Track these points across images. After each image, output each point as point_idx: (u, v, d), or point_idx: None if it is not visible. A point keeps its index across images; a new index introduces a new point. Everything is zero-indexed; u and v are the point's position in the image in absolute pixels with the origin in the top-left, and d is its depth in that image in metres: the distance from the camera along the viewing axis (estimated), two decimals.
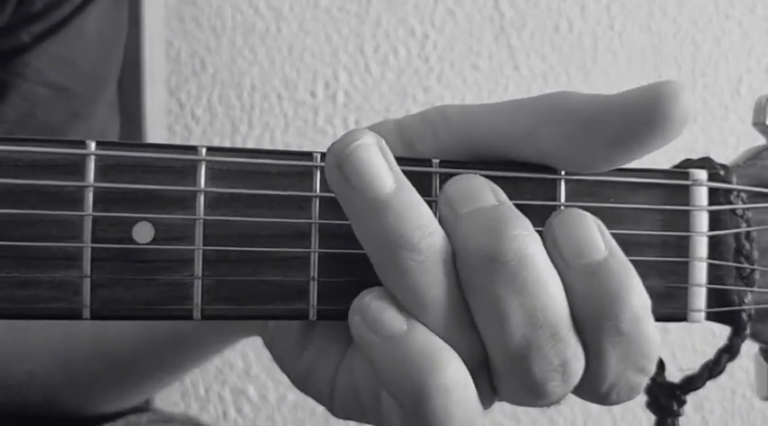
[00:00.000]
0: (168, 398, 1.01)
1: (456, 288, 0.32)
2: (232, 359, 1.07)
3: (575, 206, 0.34)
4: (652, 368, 0.33)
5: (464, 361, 0.32)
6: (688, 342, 1.09)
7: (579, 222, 0.32)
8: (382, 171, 0.31)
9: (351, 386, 0.36)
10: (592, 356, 0.32)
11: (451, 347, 0.32)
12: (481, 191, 0.33)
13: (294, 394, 1.07)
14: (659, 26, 1.11)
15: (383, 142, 0.32)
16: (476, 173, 0.34)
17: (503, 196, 0.33)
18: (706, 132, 1.11)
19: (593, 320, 0.32)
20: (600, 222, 0.32)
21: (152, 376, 0.59)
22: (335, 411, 0.38)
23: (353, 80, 1.07)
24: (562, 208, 0.34)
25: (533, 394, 0.32)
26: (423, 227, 0.31)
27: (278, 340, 0.40)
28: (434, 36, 1.08)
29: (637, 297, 0.32)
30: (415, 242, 0.31)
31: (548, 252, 0.32)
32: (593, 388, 0.33)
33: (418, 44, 1.07)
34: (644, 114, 0.31)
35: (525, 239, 0.31)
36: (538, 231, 0.32)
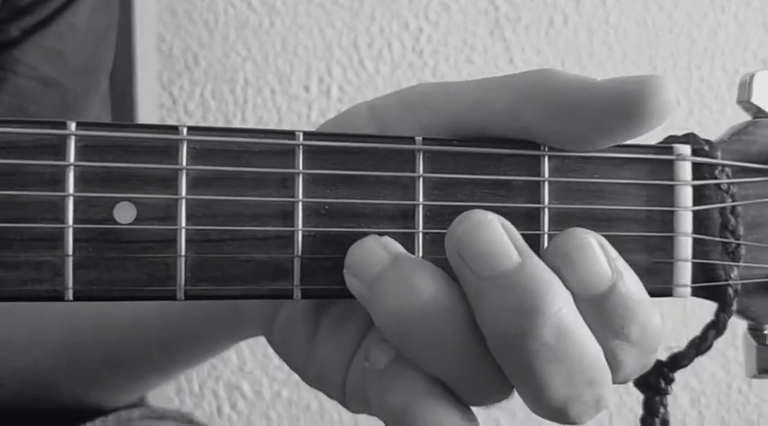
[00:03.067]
0: (162, 394, 1.01)
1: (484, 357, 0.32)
2: (226, 355, 1.06)
3: (558, 181, 0.34)
4: (659, 347, 0.33)
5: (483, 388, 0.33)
6: (683, 335, 1.09)
7: (584, 256, 0.31)
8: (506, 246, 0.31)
9: (361, 389, 0.36)
10: (611, 366, 0.32)
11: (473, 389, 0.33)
12: (500, 245, 0.31)
13: (288, 391, 1.07)
14: (655, 20, 1.11)
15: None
16: (465, 150, 0.33)
17: (520, 241, 0.31)
18: (702, 125, 1.11)
19: (606, 340, 0.32)
20: (602, 240, 0.32)
21: (152, 371, 0.59)
22: (348, 407, 0.38)
23: (347, 74, 1.06)
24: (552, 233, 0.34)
25: (567, 424, 0.33)
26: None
27: (286, 345, 0.40)
28: (429, 30, 1.07)
29: (643, 310, 0.32)
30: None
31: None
32: (612, 383, 0.34)
33: (412, 38, 1.07)
34: (625, 106, 0.31)
35: (562, 312, 0.30)
36: (531, 208, 0.32)
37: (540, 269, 0.30)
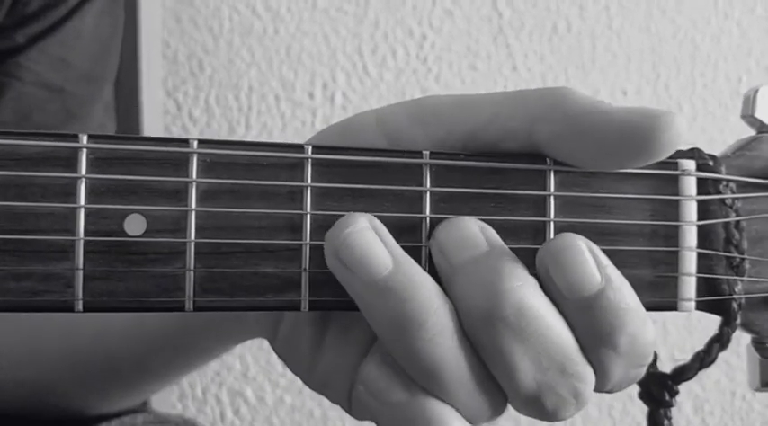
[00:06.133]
0: (166, 400, 1.01)
1: (469, 351, 0.32)
2: (230, 361, 1.06)
3: (564, 196, 0.34)
4: (650, 360, 0.34)
5: (484, 411, 0.33)
6: (688, 344, 1.09)
7: (572, 256, 0.32)
8: (378, 252, 0.32)
9: None
10: (597, 373, 0.33)
11: (470, 404, 0.33)
12: (471, 236, 0.33)
13: (291, 397, 1.07)
14: (658, 26, 1.11)
15: (377, 222, 0.32)
16: (469, 165, 0.34)
17: (493, 236, 0.33)
18: (706, 132, 1.11)
19: (593, 347, 0.33)
20: (593, 246, 0.33)
21: (153, 377, 0.58)
22: (353, 414, 0.38)
23: (351, 81, 1.07)
24: (550, 234, 0.34)
25: (548, 419, 0.34)
26: (428, 305, 0.32)
27: (291, 353, 0.40)
28: (432, 37, 1.08)
29: (632, 319, 0.32)
30: (422, 320, 0.31)
31: (541, 282, 0.33)
32: (598, 390, 0.34)
33: (416, 45, 1.07)
34: (636, 139, 0.32)
35: (521, 290, 0.32)
36: (537, 222, 0.33)
37: (504, 255, 0.32)
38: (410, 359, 0.32)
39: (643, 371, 0.34)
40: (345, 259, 0.32)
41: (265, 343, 0.43)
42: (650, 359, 0.34)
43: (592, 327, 0.32)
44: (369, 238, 0.32)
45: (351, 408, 0.38)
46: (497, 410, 0.34)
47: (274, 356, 0.41)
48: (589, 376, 0.33)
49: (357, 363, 0.37)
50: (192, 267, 0.32)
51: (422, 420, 0.32)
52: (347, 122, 0.37)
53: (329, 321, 0.38)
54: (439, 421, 0.32)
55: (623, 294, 0.32)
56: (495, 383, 0.33)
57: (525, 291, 0.32)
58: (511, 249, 0.33)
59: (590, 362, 0.33)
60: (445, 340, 0.32)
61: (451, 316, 0.32)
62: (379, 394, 0.33)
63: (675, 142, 0.32)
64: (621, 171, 0.34)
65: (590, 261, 0.32)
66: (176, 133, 1.06)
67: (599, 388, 0.34)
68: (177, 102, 1.05)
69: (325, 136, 0.37)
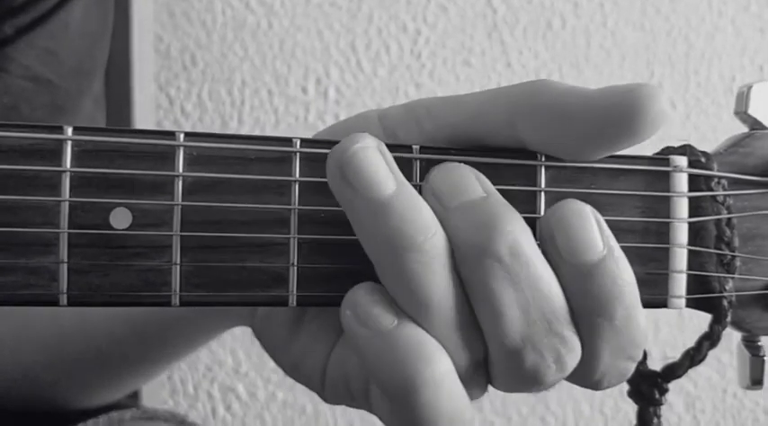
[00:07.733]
0: (157, 396, 1.01)
1: (459, 287, 0.32)
2: (221, 356, 1.06)
3: (555, 191, 0.34)
4: (640, 355, 0.34)
5: (465, 358, 0.32)
6: (679, 341, 1.09)
7: (578, 221, 0.32)
8: (383, 172, 0.31)
9: (342, 375, 0.37)
10: (586, 349, 0.33)
11: (453, 344, 0.32)
12: (467, 182, 0.33)
13: (283, 393, 1.07)
14: (652, 24, 1.11)
15: (383, 145, 0.32)
16: (458, 162, 0.33)
17: (489, 185, 0.33)
18: (699, 130, 1.11)
19: (587, 316, 0.32)
20: (599, 216, 0.32)
21: (135, 367, 0.59)
22: (326, 397, 0.38)
23: (345, 76, 1.06)
24: (556, 199, 0.34)
25: (526, 384, 0.33)
26: (426, 228, 0.31)
27: (268, 330, 0.40)
28: (426, 32, 1.07)
29: (630, 294, 0.32)
30: (420, 242, 0.31)
31: (543, 245, 0.32)
32: (585, 377, 0.34)
33: (410, 40, 1.07)
34: (619, 114, 0.31)
35: (518, 234, 0.31)
36: (527, 218, 0.33)
37: (502, 202, 0.32)
38: (401, 283, 0.32)
39: (633, 366, 0.34)
40: (350, 177, 0.31)
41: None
42: (641, 352, 0.33)
43: (589, 294, 0.32)
44: (376, 158, 0.31)
45: (324, 389, 0.38)
46: (477, 368, 0.33)
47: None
48: (575, 344, 0.32)
49: (332, 344, 0.37)
50: (178, 261, 0.32)
51: (407, 348, 0.32)
52: (350, 118, 0.37)
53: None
54: (424, 352, 0.32)
55: (623, 267, 0.32)
56: (479, 331, 0.32)
57: (521, 236, 0.31)
58: None
59: (579, 333, 0.32)
60: (439, 267, 0.31)
61: (446, 245, 0.32)
62: (368, 320, 0.32)
63: (660, 114, 0.31)
64: (613, 166, 0.34)
65: (595, 229, 0.32)
66: (168, 128, 1.05)
67: (587, 374, 0.33)
68: (169, 96, 1.05)
69: (328, 132, 0.37)
